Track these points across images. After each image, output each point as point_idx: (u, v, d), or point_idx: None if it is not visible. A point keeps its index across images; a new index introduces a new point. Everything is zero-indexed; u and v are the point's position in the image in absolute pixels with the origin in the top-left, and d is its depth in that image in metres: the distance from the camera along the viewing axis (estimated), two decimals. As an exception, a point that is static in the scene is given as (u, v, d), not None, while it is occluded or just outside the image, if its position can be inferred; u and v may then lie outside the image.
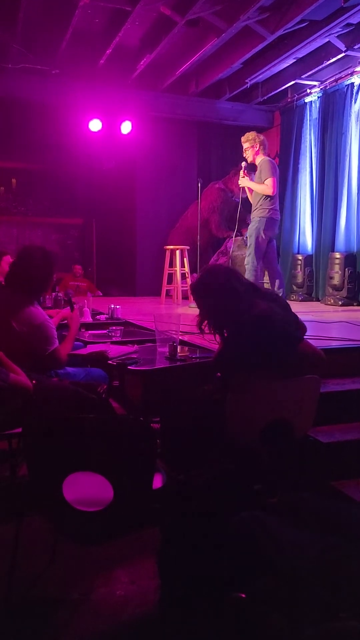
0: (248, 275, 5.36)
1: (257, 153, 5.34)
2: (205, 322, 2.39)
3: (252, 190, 5.34)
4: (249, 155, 5.35)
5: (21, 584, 1.95)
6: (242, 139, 5.40)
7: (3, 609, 1.86)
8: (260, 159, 5.31)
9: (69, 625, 1.80)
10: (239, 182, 5.40)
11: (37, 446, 1.79)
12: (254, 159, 5.35)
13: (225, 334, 2.38)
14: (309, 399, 2.28)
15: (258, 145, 5.34)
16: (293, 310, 2.42)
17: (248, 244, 5.32)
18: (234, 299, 2.26)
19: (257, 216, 5.21)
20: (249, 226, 5.38)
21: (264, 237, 5.19)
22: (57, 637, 1.76)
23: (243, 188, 5.45)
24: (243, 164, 5.40)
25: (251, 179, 5.37)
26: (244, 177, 5.38)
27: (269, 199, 5.18)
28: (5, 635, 1.78)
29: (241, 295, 2.26)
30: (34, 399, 2.33)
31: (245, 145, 5.37)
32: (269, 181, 5.14)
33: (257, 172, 5.29)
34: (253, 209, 5.32)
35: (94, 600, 1.92)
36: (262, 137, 5.41)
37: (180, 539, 1.80)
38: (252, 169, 5.40)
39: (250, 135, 5.37)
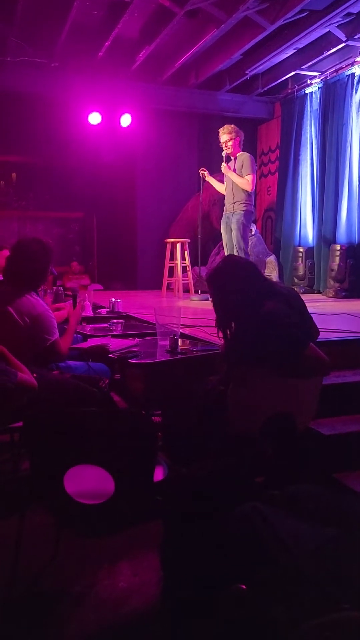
0: None
1: (238, 146, 5.37)
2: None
3: (225, 183, 5.42)
4: (230, 146, 5.37)
5: (24, 576, 1.97)
6: (222, 130, 5.43)
7: (7, 602, 1.87)
8: (241, 154, 5.34)
9: (72, 618, 1.81)
10: (222, 169, 5.41)
11: (38, 440, 1.79)
12: (235, 151, 5.38)
13: (233, 329, 2.34)
14: (310, 392, 2.28)
15: (239, 139, 5.38)
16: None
17: (236, 239, 5.34)
18: (248, 295, 2.21)
19: (239, 210, 5.28)
20: (228, 220, 5.40)
21: (247, 228, 5.34)
22: (61, 630, 1.77)
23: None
24: (224, 153, 5.42)
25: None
26: (226, 168, 5.39)
27: (247, 193, 5.25)
28: (9, 627, 1.79)
29: (256, 293, 2.21)
30: (37, 394, 2.33)
31: (225, 137, 5.39)
32: (249, 177, 5.20)
33: (237, 165, 5.31)
34: (232, 201, 5.36)
35: (97, 592, 1.94)
36: (241, 131, 5.46)
37: (182, 532, 1.81)
38: (227, 160, 5.44)
39: (230, 127, 5.42)
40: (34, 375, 2.33)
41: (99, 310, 4.43)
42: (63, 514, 1.89)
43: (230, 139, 5.34)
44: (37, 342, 2.68)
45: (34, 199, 8.88)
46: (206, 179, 5.81)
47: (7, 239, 7.51)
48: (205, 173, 5.80)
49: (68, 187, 8.69)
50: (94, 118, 7.37)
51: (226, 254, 5.60)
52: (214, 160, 8.24)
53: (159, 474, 1.85)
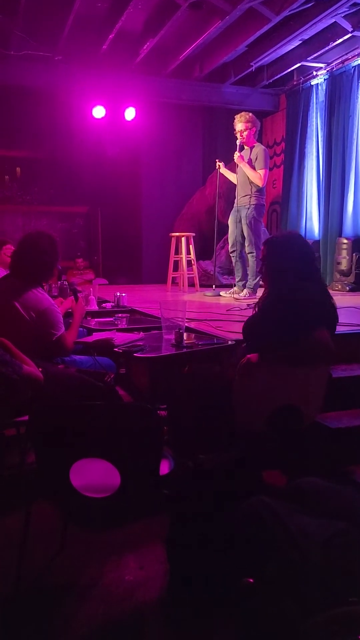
0: (252, 263, 5.33)
1: (253, 136, 5.28)
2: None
3: (237, 173, 5.35)
4: (244, 136, 5.26)
5: (31, 569, 1.97)
6: (238, 118, 5.28)
7: (14, 594, 1.87)
8: (257, 146, 5.25)
9: (79, 610, 1.81)
10: (235, 159, 5.33)
11: (44, 433, 1.79)
12: (249, 142, 5.28)
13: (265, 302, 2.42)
14: (316, 385, 2.26)
15: (255, 129, 5.28)
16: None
17: (247, 233, 5.28)
18: (292, 275, 2.31)
19: (250, 203, 5.21)
20: (238, 213, 5.34)
21: (258, 222, 5.28)
22: (67, 622, 1.77)
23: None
24: (238, 142, 5.33)
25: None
26: (240, 158, 5.31)
27: (259, 187, 5.18)
28: (15, 620, 1.79)
29: (300, 275, 2.31)
30: (43, 387, 2.33)
31: (241, 126, 5.26)
32: (262, 172, 5.12)
33: (251, 157, 5.22)
34: (242, 194, 5.29)
35: (103, 585, 1.94)
36: (258, 121, 5.34)
37: (189, 525, 1.80)
38: (240, 149, 5.35)
39: (248, 115, 5.27)
40: (40, 369, 2.33)
41: (103, 304, 4.42)
42: (69, 507, 1.89)
43: (246, 129, 5.24)
44: (43, 337, 2.67)
45: (38, 193, 8.87)
46: (220, 170, 5.73)
47: (11, 234, 7.52)
48: (221, 164, 5.71)
49: (72, 181, 8.66)
50: (98, 112, 7.34)
51: (229, 245, 5.56)
52: (218, 153, 8.20)
53: (164, 468, 1.84)
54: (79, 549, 2.15)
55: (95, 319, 3.69)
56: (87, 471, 1.71)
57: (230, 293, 5.63)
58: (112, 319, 3.54)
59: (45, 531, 2.16)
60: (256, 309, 2.47)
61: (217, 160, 5.80)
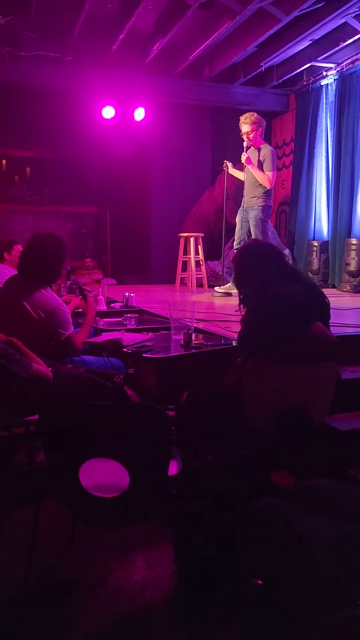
0: None
1: (260, 137, 5.26)
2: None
3: (245, 174, 5.33)
4: (252, 138, 5.24)
5: (39, 567, 1.98)
6: (244, 120, 5.25)
7: (22, 592, 1.89)
8: (265, 147, 5.23)
9: (87, 609, 1.82)
10: (242, 160, 5.31)
11: (54, 432, 1.80)
12: (256, 142, 5.26)
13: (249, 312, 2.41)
14: (325, 386, 2.26)
15: (261, 130, 5.26)
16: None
17: (254, 234, 5.28)
18: (267, 279, 2.29)
19: (257, 205, 5.21)
20: (245, 214, 5.34)
21: (265, 223, 5.28)
22: (75, 621, 1.78)
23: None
24: (245, 143, 5.31)
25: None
26: (247, 160, 5.29)
27: (266, 189, 5.16)
28: (24, 617, 1.81)
29: (276, 278, 2.29)
30: (52, 386, 2.34)
31: (247, 128, 5.23)
32: (270, 174, 5.10)
33: (260, 158, 5.20)
34: (250, 195, 5.28)
35: (111, 584, 1.95)
36: (263, 120, 5.31)
37: (196, 525, 1.81)
38: (247, 150, 5.33)
39: (253, 117, 5.24)
40: (49, 368, 2.35)
41: (112, 304, 4.43)
42: (78, 506, 1.90)
43: (252, 130, 5.20)
44: (51, 337, 2.69)
45: (47, 193, 8.90)
46: (229, 171, 5.72)
47: (21, 234, 7.56)
48: (229, 164, 5.71)
49: (82, 181, 8.69)
50: (108, 112, 7.35)
51: (235, 245, 5.57)
52: (227, 153, 8.19)
53: (173, 468, 1.85)
54: (87, 548, 2.16)
55: (104, 319, 3.70)
56: (96, 471, 1.72)
57: (225, 288, 5.65)
58: (120, 319, 3.55)
59: (54, 530, 2.17)
60: (242, 325, 2.43)
61: (224, 161, 5.80)
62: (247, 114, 5.28)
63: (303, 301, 2.20)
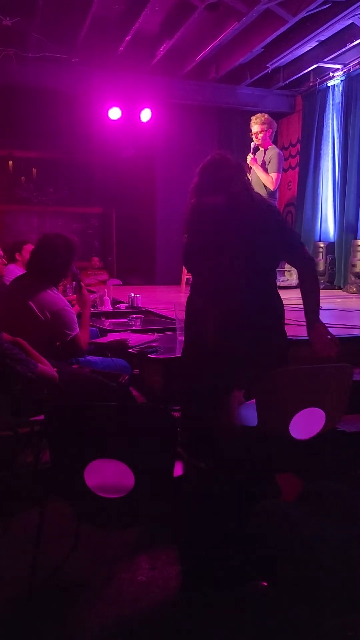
0: None
1: (269, 138, 5.23)
2: None
3: (251, 175, 5.29)
4: (260, 138, 5.21)
5: (44, 568, 1.98)
6: (254, 120, 5.22)
7: (27, 593, 1.88)
8: (272, 148, 5.20)
9: (92, 610, 1.82)
10: (248, 160, 5.28)
11: (59, 433, 1.80)
12: (265, 143, 5.24)
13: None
14: (338, 389, 2.21)
15: (271, 131, 5.23)
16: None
17: None
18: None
19: None
20: None
21: None
22: (81, 622, 1.78)
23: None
24: (253, 144, 5.28)
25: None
26: (253, 160, 5.26)
27: (270, 191, 5.13)
28: (29, 619, 1.80)
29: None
30: (57, 387, 2.35)
31: (257, 128, 5.20)
32: (274, 175, 5.06)
33: (265, 159, 5.18)
34: None
35: (116, 585, 1.94)
36: (274, 122, 5.28)
37: (202, 526, 1.80)
38: (255, 151, 5.29)
39: (264, 117, 5.21)
40: (54, 368, 2.35)
41: (118, 305, 4.43)
42: (83, 507, 1.90)
43: (262, 131, 5.17)
44: (57, 337, 2.69)
45: (54, 194, 8.93)
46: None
47: (27, 234, 7.58)
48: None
49: (88, 182, 8.72)
50: (114, 113, 7.37)
51: None
52: (233, 155, 8.15)
53: (178, 469, 1.84)
54: (92, 548, 2.16)
55: (110, 320, 3.70)
56: (101, 471, 1.72)
57: None
58: (126, 320, 3.55)
59: (59, 530, 2.17)
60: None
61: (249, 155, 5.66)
62: (258, 114, 5.25)
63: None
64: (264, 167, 5.17)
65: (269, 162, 5.12)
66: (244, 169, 2.40)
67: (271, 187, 5.11)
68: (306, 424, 2.02)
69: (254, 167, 5.23)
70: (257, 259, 2.10)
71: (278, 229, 2.20)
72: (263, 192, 5.19)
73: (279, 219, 2.31)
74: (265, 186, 5.15)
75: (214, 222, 2.11)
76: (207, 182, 2.21)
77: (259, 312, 2.13)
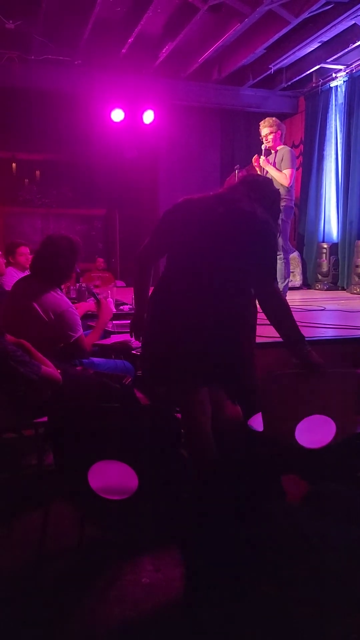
0: (281, 267, 5.29)
1: (279, 139, 5.26)
2: None
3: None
4: (270, 140, 5.25)
5: (48, 569, 1.98)
6: (263, 123, 5.28)
7: (31, 595, 1.89)
8: (282, 147, 5.23)
9: (96, 612, 1.82)
10: (260, 162, 5.29)
11: (63, 434, 1.80)
12: (275, 145, 5.26)
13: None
14: (344, 395, 2.17)
15: (280, 132, 5.26)
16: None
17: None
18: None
19: (280, 205, 5.16)
20: None
21: (286, 224, 5.22)
22: (85, 623, 1.78)
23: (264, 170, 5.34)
24: (264, 146, 5.30)
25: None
26: (265, 161, 5.27)
27: (286, 188, 5.13)
28: (33, 620, 1.80)
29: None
30: (61, 389, 2.35)
31: (266, 130, 5.25)
32: (287, 172, 5.08)
33: (277, 159, 5.20)
34: None
35: (120, 587, 1.94)
36: (283, 124, 5.32)
37: (205, 528, 1.80)
38: (267, 154, 5.31)
39: (271, 120, 5.27)
40: (58, 370, 2.35)
41: (121, 306, 4.43)
42: (86, 508, 1.90)
43: (271, 132, 5.22)
44: (61, 339, 2.69)
45: (57, 196, 8.95)
46: (261, 164, 5.56)
47: (30, 236, 7.60)
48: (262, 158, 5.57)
49: (91, 184, 8.73)
50: (117, 115, 7.38)
51: None
52: (236, 156, 8.20)
53: (181, 470, 1.84)
54: (96, 550, 2.16)
55: (113, 322, 3.70)
56: (105, 473, 1.72)
57: None
58: (129, 322, 3.54)
59: (63, 531, 2.17)
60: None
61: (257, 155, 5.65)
62: (267, 118, 5.35)
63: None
64: (276, 167, 5.20)
65: (282, 159, 5.16)
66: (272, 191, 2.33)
67: (286, 183, 5.11)
68: (315, 432, 1.99)
69: (267, 168, 5.25)
70: (235, 265, 2.04)
71: (261, 249, 2.05)
72: (281, 192, 5.16)
73: (270, 241, 2.12)
74: (282, 186, 5.15)
75: (208, 221, 2.09)
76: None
77: (227, 318, 2.06)
